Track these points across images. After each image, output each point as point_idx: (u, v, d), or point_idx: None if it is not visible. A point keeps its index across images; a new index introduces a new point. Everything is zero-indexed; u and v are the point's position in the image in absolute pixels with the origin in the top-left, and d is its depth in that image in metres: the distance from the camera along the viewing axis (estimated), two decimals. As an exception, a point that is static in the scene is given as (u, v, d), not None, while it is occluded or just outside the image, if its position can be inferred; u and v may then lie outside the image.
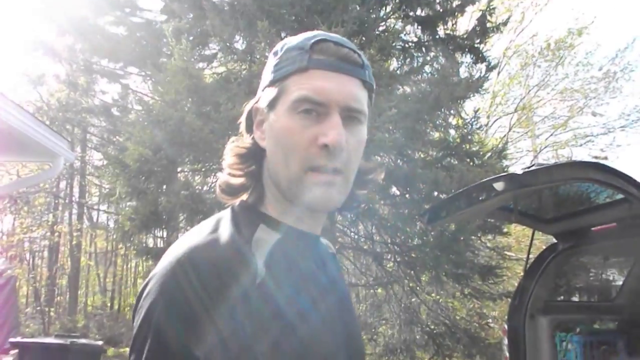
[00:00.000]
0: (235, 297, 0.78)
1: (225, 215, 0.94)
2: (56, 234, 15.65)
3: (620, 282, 5.05)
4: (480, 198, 3.65)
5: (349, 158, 0.90)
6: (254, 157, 0.98)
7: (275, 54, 0.96)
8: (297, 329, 0.83)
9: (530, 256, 5.08)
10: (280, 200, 0.94)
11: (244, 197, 0.99)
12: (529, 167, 3.49)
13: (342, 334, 0.94)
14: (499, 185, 3.37)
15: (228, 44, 7.44)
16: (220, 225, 0.90)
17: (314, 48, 0.90)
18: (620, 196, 3.88)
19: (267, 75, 0.96)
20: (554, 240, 4.81)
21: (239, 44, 7.63)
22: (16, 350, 5.91)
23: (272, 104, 0.93)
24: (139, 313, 0.80)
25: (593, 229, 4.14)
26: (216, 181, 1.01)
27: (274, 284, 0.84)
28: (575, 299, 5.43)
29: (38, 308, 14.60)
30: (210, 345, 0.75)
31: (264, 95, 0.95)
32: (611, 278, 5.38)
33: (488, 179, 3.65)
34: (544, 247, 5.02)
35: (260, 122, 0.97)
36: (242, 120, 1.01)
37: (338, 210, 1.03)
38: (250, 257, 0.84)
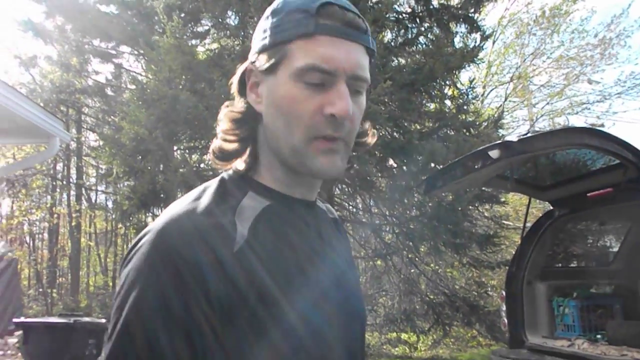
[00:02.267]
0: (208, 266, 0.76)
1: (212, 183, 0.92)
2: (55, 215, 15.69)
3: (617, 247, 5.10)
4: (476, 167, 3.66)
5: (352, 127, 0.89)
6: (248, 121, 0.95)
7: (275, 13, 0.91)
8: (282, 297, 0.80)
9: (527, 224, 5.13)
10: (277, 167, 0.92)
11: (239, 163, 0.96)
12: (524, 135, 3.50)
13: (338, 299, 0.91)
14: (494, 153, 3.39)
15: (220, 20, 7.37)
16: (204, 193, 0.88)
17: (320, 12, 0.86)
18: (615, 162, 3.90)
19: (263, 35, 0.91)
20: (551, 208, 4.85)
21: (231, 20, 7.56)
22: (21, 331, 5.97)
23: (272, 68, 0.89)
24: (117, 290, 0.79)
25: (589, 194, 4.16)
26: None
27: (256, 251, 0.82)
28: (572, 264, 5.49)
29: (40, 290, 14.72)
30: (185, 320, 0.73)
31: (262, 57, 0.90)
32: (607, 243, 5.44)
33: (483, 147, 3.67)
34: (541, 215, 5.06)
35: (254, 84, 0.93)
36: (235, 81, 0.97)
37: None
38: (227, 224, 0.82)
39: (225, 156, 0.96)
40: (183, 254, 0.76)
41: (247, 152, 0.95)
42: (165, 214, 0.83)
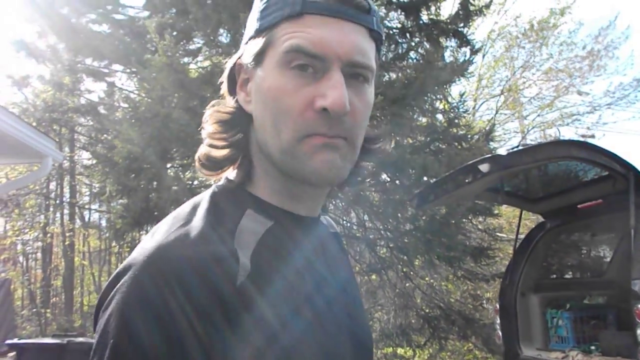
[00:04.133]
0: (209, 308, 0.64)
1: (203, 200, 0.78)
2: (49, 235, 15.60)
3: (609, 258, 5.13)
4: (467, 180, 3.70)
5: (354, 124, 0.74)
6: (238, 123, 0.81)
7: None
8: (291, 336, 0.69)
9: (520, 236, 5.16)
10: (273, 175, 0.79)
11: (230, 172, 0.83)
12: (513, 148, 3.54)
13: (349, 332, 0.80)
14: (484, 167, 3.42)
15: (212, 38, 7.42)
16: (195, 214, 0.74)
17: None
18: (605, 173, 3.94)
19: (251, 23, 0.79)
20: (542, 220, 4.89)
21: (223, 37, 7.61)
22: (14, 352, 5.92)
23: (258, 58, 0.76)
24: (99, 322, 0.66)
25: (579, 206, 4.20)
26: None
27: (261, 285, 0.69)
28: (565, 276, 5.51)
29: (34, 310, 14.58)
30: None
31: (248, 48, 0.78)
32: (599, 254, 5.46)
33: (473, 161, 3.70)
34: (533, 227, 5.09)
35: (244, 81, 0.81)
36: (224, 79, 0.84)
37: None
38: (227, 253, 0.69)
39: (214, 164, 0.82)
40: (177, 296, 0.63)
41: (240, 159, 0.82)
42: (150, 243, 0.68)
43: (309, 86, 0.71)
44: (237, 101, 0.82)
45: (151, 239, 0.69)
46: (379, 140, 0.88)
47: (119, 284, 0.65)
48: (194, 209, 0.76)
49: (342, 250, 0.98)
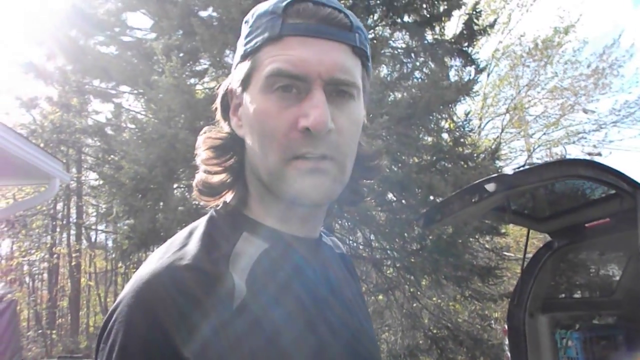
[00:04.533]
0: (204, 329, 0.63)
1: (200, 225, 0.78)
2: (55, 255, 15.66)
3: (617, 277, 5.08)
4: (473, 200, 3.68)
5: (340, 141, 0.74)
6: (231, 148, 0.82)
7: (247, 22, 0.80)
8: (288, 356, 0.68)
9: (528, 255, 5.12)
10: (266, 199, 0.78)
11: (228, 196, 0.83)
12: (519, 168, 3.53)
13: (349, 349, 0.78)
14: (490, 187, 3.41)
15: (218, 59, 7.49)
16: (190, 239, 0.74)
17: (288, 11, 0.74)
18: (612, 191, 3.92)
19: (239, 49, 0.80)
20: (550, 239, 4.85)
21: (230, 58, 7.68)
22: (19, 374, 5.90)
23: (244, 83, 0.77)
24: (100, 354, 0.66)
25: (587, 225, 4.18)
26: None
27: (256, 307, 0.69)
28: (574, 295, 5.46)
29: (40, 331, 14.56)
30: None
31: (236, 73, 0.80)
32: (608, 273, 5.41)
33: (480, 180, 3.69)
34: (541, 246, 5.06)
35: (236, 106, 0.81)
36: (217, 105, 0.85)
37: (340, 204, 0.89)
38: (220, 277, 0.68)
39: (212, 190, 0.82)
40: (173, 322, 0.63)
41: (235, 183, 0.82)
42: (144, 270, 0.69)
43: (293, 107, 0.72)
44: (230, 126, 0.83)
45: (145, 268, 0.70)
46: (376, 157, 0.89)
47: (115, 314, 0.66)
48: (190, 234, 0.76)
49: (349, 270, 0.96)
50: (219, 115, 0.86)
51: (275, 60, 0.72)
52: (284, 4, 0.74)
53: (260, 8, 0.78)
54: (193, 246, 0.72)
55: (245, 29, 0.80)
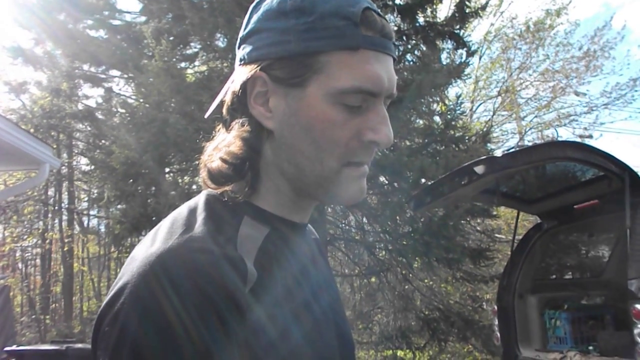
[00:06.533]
0: (226, 312, 0.62)
1: (199, 206, 0.75)
2: (47, 241, 15.61)
3: (606, 258, 5.14)
4: (463, 182, 3.71)
5: None
6: (254, 138, 0.78)
7: (301, 12, 0.73)
8: (292, 338, 0.70)
9: (517, 237, 5.17)
10: (285, 192, 0.79)
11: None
12: (509, 150, 3.55)
13: (335, 329, 0.82)
14: (479, 169, 3.43)
15: (209, 42, 7.44)
16: (194, 220, 0.72)
17: (363, 20, 0.72)
18: (601, 173, 3.96)
19: (282, 37, 0.74)
20: (539, 220, 4.90)
21: (220, 42, 7.63)
22: None
23: (297, 81, 0.73)
24: (105, 338, 0.62)
25: (576, 206, 4.21)
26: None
27: (267, 290, 0.69)
28: (563, 276, 5.52)
29: (33, 316, 14.59)
30: None
31: (283, 65, 0.74)
32: (597, 254, 5.47)
33: (469, 163, 3.71)
34: (530, 228, 5.10)
35: (261, 94, 0.76)
36: (235, 90, 0.78)
37: None
38: (235, 260, 0.66)
39: (225, 179, 0.78)
40: (194, 297, 0.60)
41: (250, 171, 0.79)
42: (151, 251, 0.65)
43: (357, 118, 0.73)
44: (251, 115, 0.78)
45: (150, 248, 0.66)
46: None
47: (124, 296, 0.62)
48: (191, 214, 0.73)
49: (322, 254, 0.98)
50: (231, 99, 0.80)
51: (354, 75, 0.71)
52: (359, 11, 0.72)
53: (322, 4, 0.72)
54: (200, 228, 0.69)
55: (299, 21, 0.72)
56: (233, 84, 0.79)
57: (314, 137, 0.73)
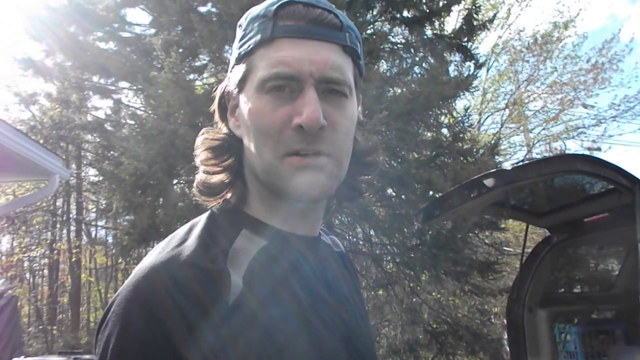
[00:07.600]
0: (201, 324, 0.65)
1: (200, 221, 0.80)
2: (55, 251, 15.65)
3: (616, 272, 5.09)
4: (472, 195, 3.69)
5: (335, 138, 0.75)
6: (230, 148, 0.83)
7: (240, 26, 0.82)
8: (283, 353, 0.69)
9: (527, 250, 5.13)
10: (265, 196, 0.80)
11: (228, 196, 0.85)
12: (518, 163, 3.54)
13: (344, 346, 0.78)
14: (489, 182, 3.42)
15: (217, 55, 7.48)
16: (190, 235, 0.75)
17: (279, 13, 0.76)
18: (610, 186, 3.93)
19: (234, 51, 0.83)
20: (549, 234, 4.86)
21: (228, 54, 7.67)
22: (20, 370, 5.91)
23: (240, 85, 0.79)
24: (98, 345, 0.68)
25: (586, 220, 4.19)
26: None
27: (252, 303, 0.69)
28: (573, 290, 5.47)
29: (40, 327, 14.59)
30: None
31: (232, 75, 0.82)
32: (607, 268, 5.43)
33: (478, 176, 3.70)
34: (540, 241, 5.07)
35: (233, 107, 0.83)
36: (215, 107, 0.87)
37: (339, 200, 0.90)
38: (218, 274, 0.69)
39: (212, 190, 0.84)
40: (168, 316, 0.65)
41: (236, 183, 0.84)
42: (143, 264, 0.70)
43: (286, 106, 0.74)
44: (228, 127, 0.84)
45: (145, 260, 0.71)
46: (373, 152, 0.90)
47: (113, 305, 0.68)
48: (190, 230, 0.77)
49: (348, 268, 0.97)
50: (217, 117, 0.87)
51: (268, 64, 0.74)
52: (275, 6, 0.76)
53: (252, 12, 0.80)
54: (192, 242, 0.73)
55: (239, 33, 0.82)
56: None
57: (252, 130, 0.76)
